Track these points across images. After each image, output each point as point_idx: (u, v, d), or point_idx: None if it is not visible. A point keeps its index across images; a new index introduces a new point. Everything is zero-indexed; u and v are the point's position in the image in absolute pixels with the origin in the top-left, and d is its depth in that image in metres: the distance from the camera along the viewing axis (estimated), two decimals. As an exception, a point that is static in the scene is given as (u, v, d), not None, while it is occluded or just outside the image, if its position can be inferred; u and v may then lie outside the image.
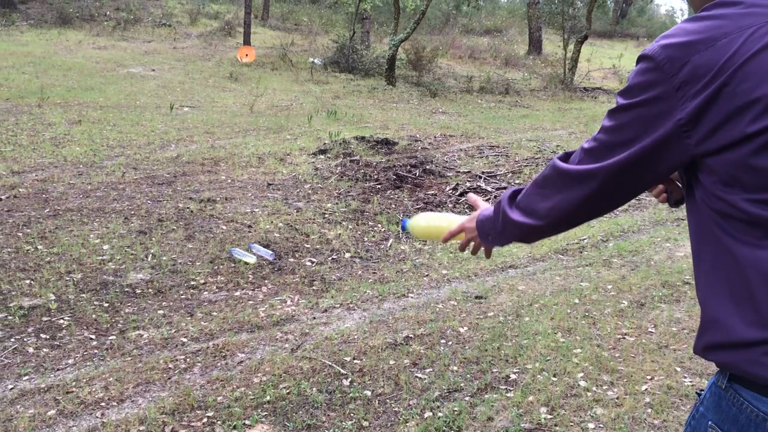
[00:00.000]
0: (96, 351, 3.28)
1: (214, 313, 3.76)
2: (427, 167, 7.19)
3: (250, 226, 5.17)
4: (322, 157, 7.49)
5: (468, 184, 6.68)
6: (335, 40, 16.16)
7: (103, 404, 2.79)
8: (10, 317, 3.53)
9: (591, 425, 2.67)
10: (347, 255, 4.87)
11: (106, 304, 3.78)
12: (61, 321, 3.55)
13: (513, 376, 3.05)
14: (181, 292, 4.03)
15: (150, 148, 7.46)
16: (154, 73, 12.91)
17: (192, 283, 4.17)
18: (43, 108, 8.89)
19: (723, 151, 0.94)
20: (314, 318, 3.74)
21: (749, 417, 0.98)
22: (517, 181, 6.92)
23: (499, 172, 7.22)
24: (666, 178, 1.09)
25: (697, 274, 1.06)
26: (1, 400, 2.80)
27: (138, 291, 3.99)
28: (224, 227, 5.11)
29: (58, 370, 3.08)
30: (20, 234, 4.64)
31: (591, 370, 3.10)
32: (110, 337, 3.43)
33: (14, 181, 5.81)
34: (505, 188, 6.50)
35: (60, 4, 17.88)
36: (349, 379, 3.02)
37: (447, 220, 1.54)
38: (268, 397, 2.85)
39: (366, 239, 5.23)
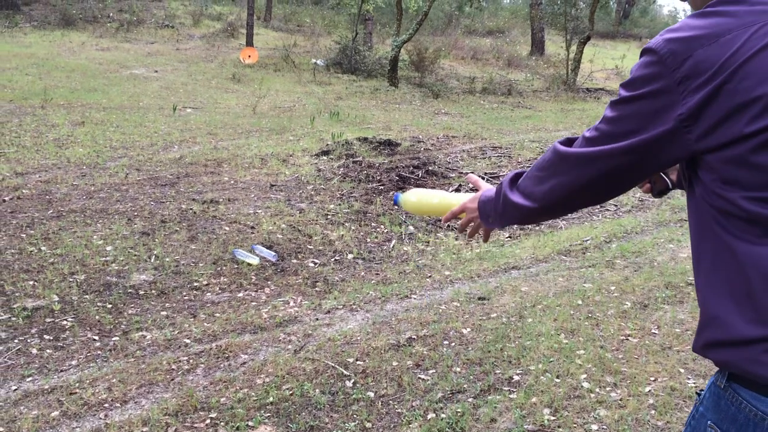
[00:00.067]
0: (99, 352, 3.28)
1: (217, 315, 3.76)
2: (430, 168, 7.19)
3: (252, 228, 5.18)
4: (324, 158, 7.49)
5: (470, 186, 6.68)
6: (338, 41, 16.16)
7: (106, 405, 2.79)
8: (13, 318, 3.54)
9: (594, 427, 2.66)
10: (350, 256, 4.87)
11: (110, 306, 3.79)
12: (65, 322, 3.56)
13: (516, 378, 3.05)
14: (184, 294, 4.04)
15: (153, 149, 7.47)
16: (157, 75, 12.93)
17: (195, 284, 4.17)
18: (47, 109, 8.91)
19: (723, 148, 0.94)
20: (317, 319, 3.74)
21: (748, 416, 0.98)
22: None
23: (501, 173, 7.21)
24: (663, 170, 1.09)
25: (697, 272, 1.06)
26: (5, 401, 2.81)
27: (141, 292, 4.00)
28: (227, 228, 5.12)
29: (61, 371, 3.09)
30: (24, 235, 4.65)
31: (594, 371, 3.10)
32: (113, 339, 3.43)
33: (18, 183, 5.82)
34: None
35: (63, 5, 17.93)
36: (352, 381, 3.02)
37: (438, 197, 1.56)
38: (271, 399, 2.85)
39: (369, 240, 5.23)
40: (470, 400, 2.86)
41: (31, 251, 4.40)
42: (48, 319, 3.57)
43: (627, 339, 3.46)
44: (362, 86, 13.99)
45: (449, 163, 7.61)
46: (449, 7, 24.17)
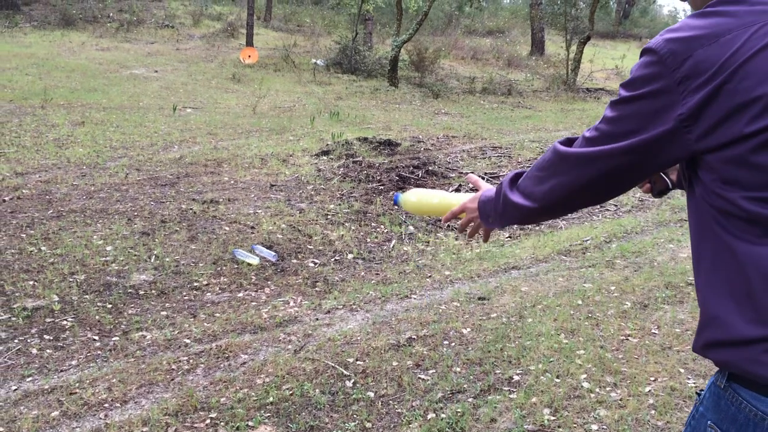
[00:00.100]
0: (99, 352, 3.28)
1: (217, 315, 3.76)
2: (430, 168, 7.19)
3: (252, 228, 5.18)
4: (324, 158, 7.49)
5: (470, 186, 6.68)
6: (338, 41, 16.16)
7: (106, 405, 2.79)
8: (13, 318, 3.54)
9: (594, 427, 2.66)
10: (350, 256, 4.87)
11: (110, 306, 3.79)
12: (65, 322, 3.56)
13: (516, 378, 3.05)
14: (184, 294, 4.04)
15: (153, 149, 7.47)
16: (157, 75, 12.93)
17: (195, 284, 4.17)
18: (47, 109, 8.91)
19: (722, 148, 0.94)
20: (317, 319, 3.74)
21: (748, 416, 0.98)
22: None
23: (501, 173, 7.21)
24: (663, 169, 1.09)
25: (697, 272, 1.06)
26: (5, 401, 2.81)
27: (141, 292, 4.00)
28: (227, 228, 5.12)
29: (61, 371, 3.09)
30: (24, 235, 4.65)
31: (594, 371, 3.10)
32: (113, 339, 3.43)
33: (18, 183, 5.82)
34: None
35: (63, 5, 17.93)
36: (352, 381, 3.02)
37: (438, 197, 1.56)
38: (271, 399, 2.85)
39: (369, 240, 5.23)
40: (470, 400, 2.86)
41: (31, 251, 4.40)
42: (48, 319, 3.57)
43: (627, 339, 3.46)
44: (362, 86, 13.99)
45: (449, 163, 7.61)
46: (449, 7, 24.17)
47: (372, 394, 2.91)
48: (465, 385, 2.98)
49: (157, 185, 6.10)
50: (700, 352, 1.06)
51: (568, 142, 1.14)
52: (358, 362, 3.19)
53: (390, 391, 2.93)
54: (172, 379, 3.02)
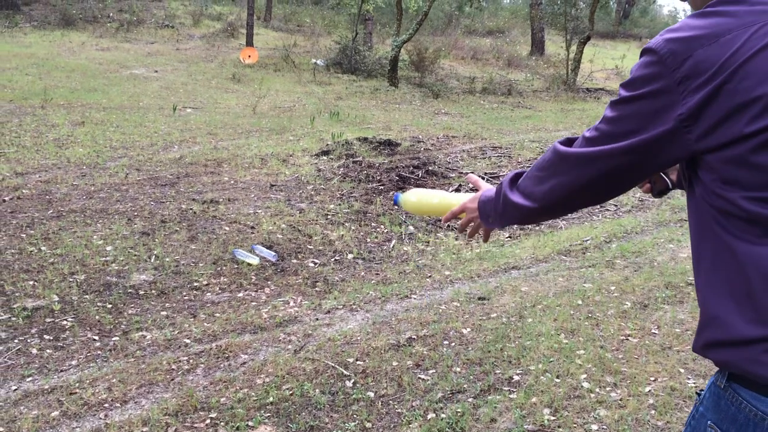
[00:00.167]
0: (99, 352, 3.28)
1: (217, 315, 3.76)
2: (430, 168, 7.19)
3: (252, 228, 5.18)
4: (324, 158, 7.49)
5: (470, 186, 6.69)
6: (338, 41, 16.17)
7: (106, 405, 2.79)
8: (13, 318, 3.54)
9: (594, 427, 2.66)
10: (350, 256, 4.87)
11: (110, 306, 3.79)
12: (65, 322, 3.56)
13: (516, 378, 3.05)
14: (184, 294, 4.04)
15: (153, 149, 7.47)
16: (157, 75, 12.93)
17: (195, 284, 4.17)
18: (47, 109, 8.91)
19: (722, 148, 0.94)
20: (317, 319, 3.74)
21: (748, 416, 0.98)
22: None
23: (501, 173, 7.21)
24: (663, 169, 1.09)
25: (697, 272, 1.06)
26: (5, 401, 2.81)
27: (141, 292, 4.00)
28: (227, 228, 5.12)
29: (61, 371, 3.09)
30: (24, 235, 4.65)
31: (594, 371, 3.10)
32: (113, 339, 3.43)
33: (18, 183, 5.82)
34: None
35: (63, 5, 17.93)
36: (352, 381, 3.02)
37: (438, 197, 1.57)
38: (271, 399, 2.85)
39: (369, 240, 5.23)
40: (470, 400, 2.86)
41: (31, 251, 4.40)
42: (48, 319, 3.57)
43: (627, 339, 3.46)
44: (362, 86, 13.99)
45: (449, 163, 7.61)
46: (449, 7, 24.17)
47: (372, 394, 2.91)
48: (465, 385, 2.98)
49: (157, 185, 6.10)
50: (700, 352, 1.06)
51: (568, 142, 1.14)
52: (358, 362, 3.19)
53: (390, 391, 2.93)
54: (172, 379, 3.02)
